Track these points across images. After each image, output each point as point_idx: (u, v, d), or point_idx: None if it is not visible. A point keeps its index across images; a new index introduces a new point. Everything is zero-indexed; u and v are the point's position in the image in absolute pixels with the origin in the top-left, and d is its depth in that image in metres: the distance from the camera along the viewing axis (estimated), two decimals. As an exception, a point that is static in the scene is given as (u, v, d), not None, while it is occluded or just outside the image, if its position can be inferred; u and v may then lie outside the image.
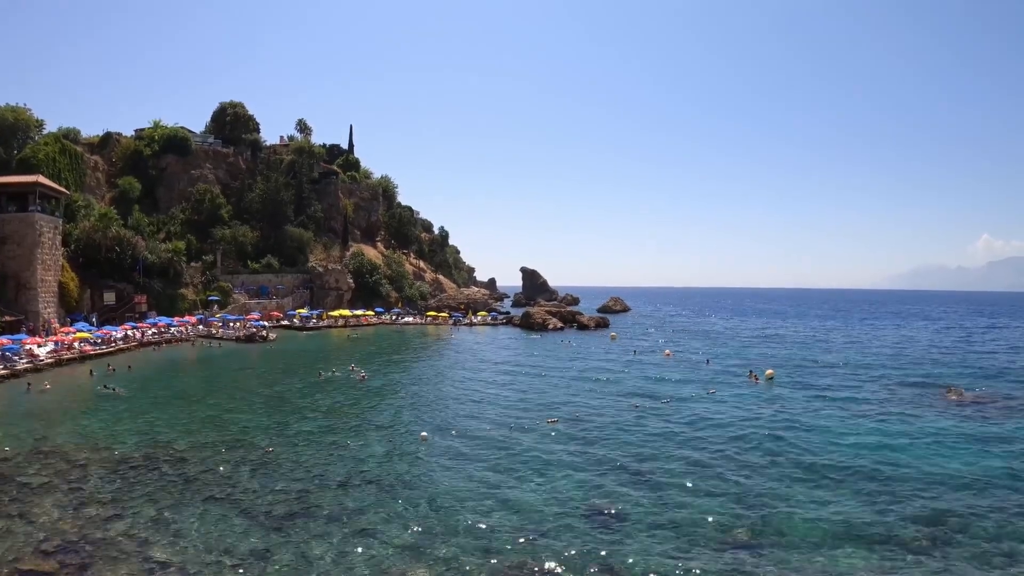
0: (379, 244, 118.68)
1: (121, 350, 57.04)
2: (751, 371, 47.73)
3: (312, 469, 23.55)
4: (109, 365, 47.80)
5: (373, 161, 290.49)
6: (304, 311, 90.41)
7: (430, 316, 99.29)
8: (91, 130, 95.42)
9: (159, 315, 72.30)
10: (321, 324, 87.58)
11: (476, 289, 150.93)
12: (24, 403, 35.31)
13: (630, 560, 16.14)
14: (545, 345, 70.69)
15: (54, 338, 53.56)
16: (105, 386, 38.73)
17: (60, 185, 67.66)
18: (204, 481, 22.00)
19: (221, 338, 69.53)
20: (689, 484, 22.10)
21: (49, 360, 48.08)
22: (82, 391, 39.05)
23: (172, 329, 69.04)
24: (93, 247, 70.57)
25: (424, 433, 28.72)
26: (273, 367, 51.43)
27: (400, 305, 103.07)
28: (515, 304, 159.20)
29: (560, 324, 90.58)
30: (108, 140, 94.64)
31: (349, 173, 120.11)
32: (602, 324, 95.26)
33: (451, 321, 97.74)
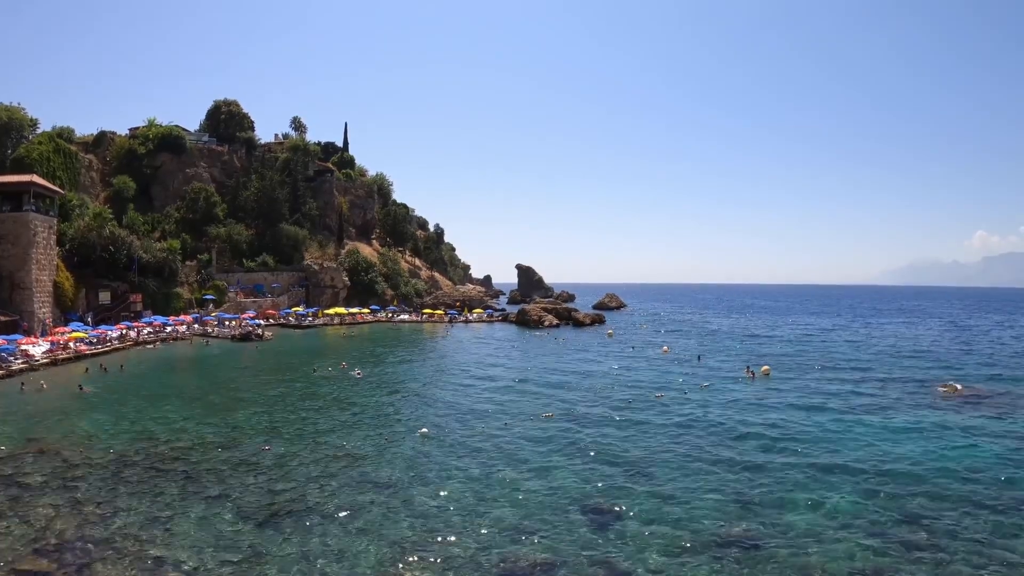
0: (374, 242, 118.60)
1: (117, 349, 56.92)
2: (748, 367, 47.89)
3: (310, 467, 23.55)
4: (102, 365, 47.70)
5: (368, 159, 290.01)
6: (300, 309, 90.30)
7: (426, 313, 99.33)
8: (85, 129, 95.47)
9: (154, 314, 72.14)
10: (317, 322, 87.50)
11: (472, 286, 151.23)
12: (19, 403, 35.19)
13: (628, 557, 16.20)
14: (541, 342, 70.75)
15: (49, 338, 53.39)
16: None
17: (55, 184, 67.47)
18: (201, 480, 21.98)
19: (216, 337, 69.44)
20: (686, 480, 22.18)
21: (45, 360, 47.93)
22: (78, 391, 38.89)
23: (168, 328, 68.92)
24: (88, 246, 70.30)
25: (424, 429, 28.77)
26: (269, 365, 51.37)
27: (396, 303, 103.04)
28: (511, 301, 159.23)
29: (556, 321, 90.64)
30: (102, 139, 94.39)
31: (344, 171, 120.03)
32: (598, 321, 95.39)
33: (447, 318, 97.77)
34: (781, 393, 38.88)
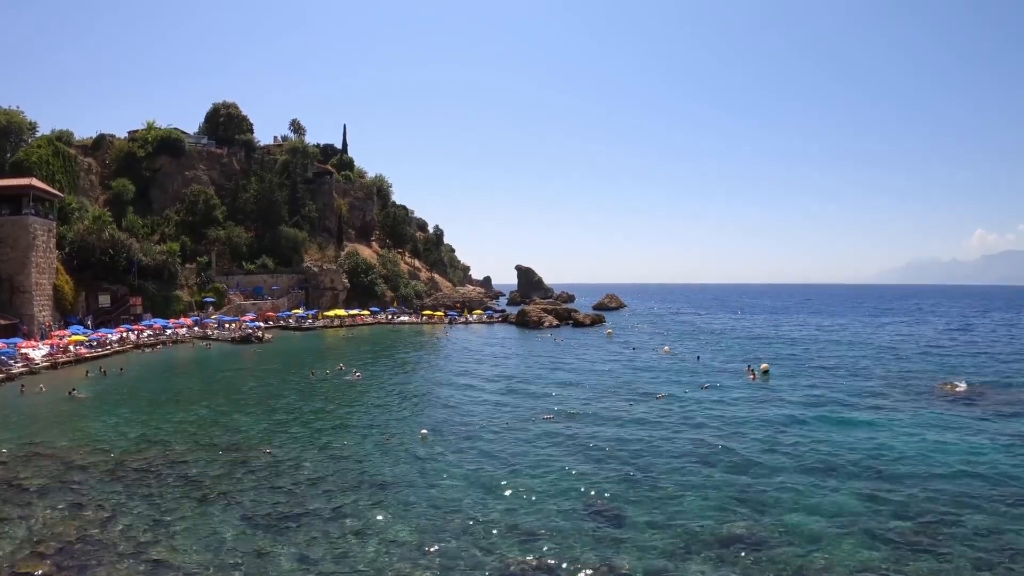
0: (374, 243, 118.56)
1: (117, 352, 56.93)
2: (748, 367, 47.88)
3: (311, 469, 23.52)
4: (101, 368, 47.68)
5: (367, 160, 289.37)
6: (300, 311, 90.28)
7: (426, 315, 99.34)
8: (84, 132, 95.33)
9: (154, 317, 72.13)
10: (317, 324, 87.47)
11: (471, 288, 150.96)
12: (19, 406, 35.18)
13: (628, 557, 16.18)
14: (541, 343, 70.74)
15: (49, 341, 53.36)
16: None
17: (54, 188, 67.43)
18: (202, 482, 21.95)
19: (216, 339, 69.41)
20: (687, 480, 22.15)
21: (44, 363, 47.93)
22: (69, 396, 38.81)
23: (167, 331, 68.89)
24: (87, 249, 70.25)
25: (424, 431, 28.76)
26: (269, 367, 51.35)
27: (396, 304, 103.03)
28: (511, 302, 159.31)
29: (556, 321, 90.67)
30: (101, 142, 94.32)
31: (343, 173, 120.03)
32: (598, 321, 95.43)
33: (447, 320, 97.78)
34: (781, 392, 38.87)
